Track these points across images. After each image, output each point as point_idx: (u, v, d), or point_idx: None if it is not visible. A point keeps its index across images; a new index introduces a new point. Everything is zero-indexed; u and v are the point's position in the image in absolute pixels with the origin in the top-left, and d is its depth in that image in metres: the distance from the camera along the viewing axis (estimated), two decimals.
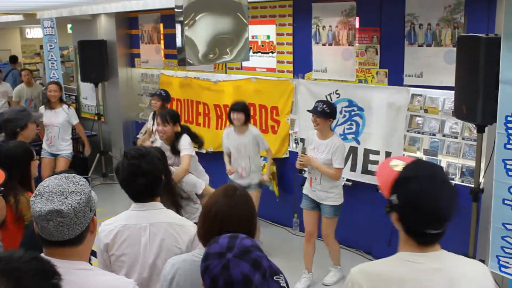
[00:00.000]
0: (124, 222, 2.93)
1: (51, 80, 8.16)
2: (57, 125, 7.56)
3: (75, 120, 7.81)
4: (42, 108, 7.72)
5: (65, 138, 7.72)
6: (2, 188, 2.66)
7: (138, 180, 2.85)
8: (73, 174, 2.10)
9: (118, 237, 2.88)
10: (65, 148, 7.73)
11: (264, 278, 1.88)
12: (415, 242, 2.03)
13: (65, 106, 7.70)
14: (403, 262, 2.04)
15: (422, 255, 2.02)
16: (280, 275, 2.09)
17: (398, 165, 2.18)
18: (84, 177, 2.15)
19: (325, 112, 5.21)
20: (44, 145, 7.80)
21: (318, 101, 5.39)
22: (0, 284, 1.53)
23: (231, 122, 6.06)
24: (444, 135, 5.52)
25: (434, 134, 5.58)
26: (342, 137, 6.17)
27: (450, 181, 2.06)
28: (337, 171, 5.28)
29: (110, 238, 2.89)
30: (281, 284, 2.09)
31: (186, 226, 2.94)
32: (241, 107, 5.96)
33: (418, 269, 2.01)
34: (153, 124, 6.58)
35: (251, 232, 2.38)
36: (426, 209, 1.96)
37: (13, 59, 13.09)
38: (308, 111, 5.37)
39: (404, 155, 5.69)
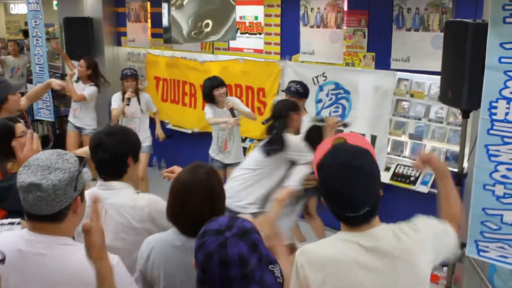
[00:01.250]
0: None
1: (84, 58, 7.94)
2: (79, 100, 7.61)
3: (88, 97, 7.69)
4: (74, 77, 7.78)
5: (89, 113, 7.78)
6: None
7: (99, 155, 2.86)
8: (67, 152, 2.10)
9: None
10: (90, 124, 7.79)
11: (259, 263, 1.86)
12: (344, 223, 2.11)
13: (90, 84, 7.70)
14: (341, 242, 2.10)
15: (359, 235, 2.07)
16: (276, 265, 2.09)
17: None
18: (80, 156, 2.14)
19: (298, 92, 5.29)
20: (69, 117, 7.94)
21: (291, 81, 5.46)
22: None
23: (211, 100, 6.02)
24: (429, 120, 5.55)
25: (419, 119, 5.60)
26: None
27: (367, 168, 2.06)
28: None
29: None
30: (276, 274, 2.09)
31: (137, 207, 2.86)
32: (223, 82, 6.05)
33: (355, 248, 2.05)
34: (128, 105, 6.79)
35: (215, 210, 2.37)
36: (335, 195, 2.04)
37: None
38: (282, 91, 5.45)
39: (389, 139, 5.73)
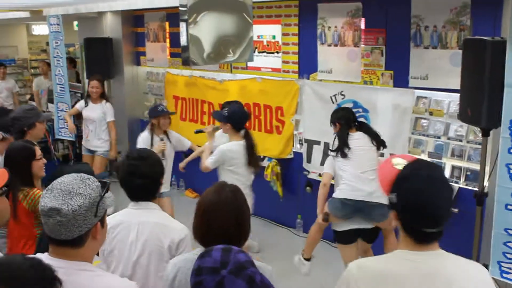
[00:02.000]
0: (119, 218, 3.05)
1: (93, 75, 8.01)
2: (94, 120, 7.61)
3: (110, 117, 7.70)
4: (81, 103, 7.79)
5: (101, 135, 7.69)
6: (6, 188, 2.67)
7: (135, 181, 2.98)
8: (90, 176, 2.12)
9: (111, 232, 2.97)
10: (102, 146, 7.74)
11: None
12: (413, 240, 2.06)
13: (103, 102, 7.69)
14: (399, 260, 2.07)
15: (420, 254, 2.04)
16: None
17: (399, 163, 2.23)
18: (103, 181, 2.17)
19: (223, 115, 5.25)
20: (82, 141, 7.98)
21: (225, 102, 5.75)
22: None
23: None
24: (449, 138, 5.49)
25: (439, 137, 5.56)
26: None
27: (449, 182, 2.09)
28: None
29: None
30: None
31: (171, 227, 3.00)
32: None
33: (414, 267, 2.03)
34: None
35: (241, 229, 2.41)
36: (422, 208, 1.99)
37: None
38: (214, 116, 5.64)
39: None
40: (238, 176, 5.18)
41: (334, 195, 5.00)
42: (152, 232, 2.96)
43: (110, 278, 2.23)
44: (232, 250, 1.90)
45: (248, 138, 5.27)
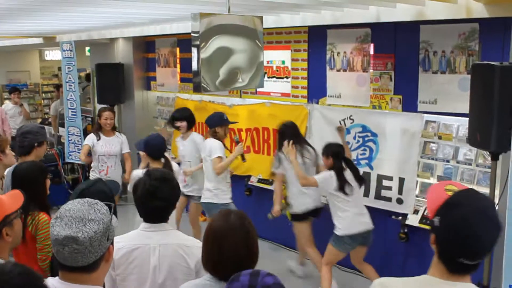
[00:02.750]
0: (134, 242, 2.97)
1: (104, 106, 7.51)
2: (114, 154, 7.08)
3: (127, 148, 7.20)
4: (92, 137, 7.04)
5: (119, 169, 7.25)
6: (21, 210, 2.70)
7: (154, 202, 2.92)
8: (96, 201, 2.12)
9: (126, 257, 2.92)
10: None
11: None
12: (445, 268, 2.01)
13: (117, 133, 7.21)
14: (426, 285, 2.02)
15: (448, 284, 1.99)
16: None
17: (451, 190, 2.16)
18: (107, 204, 2.17)
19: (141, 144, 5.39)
20: (96, 176, 7.06)
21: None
22: None
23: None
24: (458, 162, 5.51)
25: (448, 161, 5.57)
26: (356, 162, 6.18)
27: (500, 220, 2.00)
28: None
29: (118, 255, 2.91)
30: None
31: (194, 247, 2.96)
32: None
33: None
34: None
35: (251, 252, 2.41)
36: (464, 237, 1.93)
37: None
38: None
39: (418, 181, 5.69)
40: None
41: (339, 232, 5.34)
42: (176, 254, 2.92)
43: None
44: (260, 274, 1.92)
45: (166, 165, 5.31)
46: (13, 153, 4.59)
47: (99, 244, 2.03)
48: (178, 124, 6.58)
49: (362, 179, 5.51)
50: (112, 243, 2.15)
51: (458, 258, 1.95)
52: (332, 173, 5.31)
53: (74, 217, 2.02)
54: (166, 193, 2.94)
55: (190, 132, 6.64)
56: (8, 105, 11.27)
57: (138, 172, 5.08)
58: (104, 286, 2.23)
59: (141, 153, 5.45)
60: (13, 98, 11.18)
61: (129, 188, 5.33)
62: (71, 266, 2.03)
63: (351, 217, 5.31)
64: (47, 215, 3.72)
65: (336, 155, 5.38)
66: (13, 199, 2.70)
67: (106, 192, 3.01)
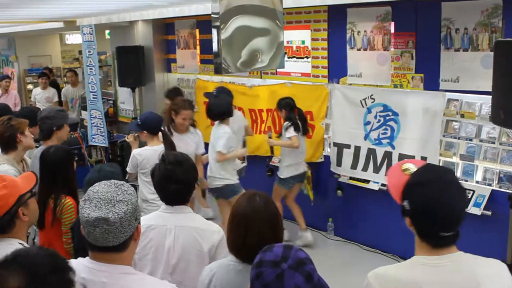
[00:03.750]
0: (151, 222, 3.02)
1: (183, 100, 6.07)
2: (191, 153, 5.76)
3: (202, 149, 6.04)
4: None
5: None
6: (34, 191, 2.77)
7: (171, 186, 2.96)
8: (122, 182, 2.17)
9: (144, 237, 2.97)
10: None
11: None
12: (430, 246, 2.06)
13: (192, 129, 5.94)
14: (417, 266, 2.06)
15: (439, 258, 2.03)
16: None
17: (408, 169, 2.21)
18: (133, 185, 2.22)
19: (136, 124, 5.27)
20: None
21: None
22: (18, 277, 1.63)
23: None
24: (481, 140, 5.46)
25: (471, 139, 5.53)
26: (377, 141, 6.17)
27: (461, 184, 2.08)
28: None
29: None
30: None
31: (209, 231, 2.99)
32: None
33: (435, 272, 2.02)
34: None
35: (276, 236, 2.43)
36: (436, 213, 1.99)
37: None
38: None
39: (440, 160, 5.67)
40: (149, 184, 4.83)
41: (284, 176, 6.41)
42: (190, 236, 2.95)
43: (152, 281, 2.30)
44: (293, 247, 1.96)
45: (165, 140, 5.24)
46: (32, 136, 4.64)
47: (128, 224, 2.08)
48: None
49: (307, 130, 6.60)
50: (140, 223, 2.20)
51: (438, 233, 2.02)
52: (287, 124, 6.28)
53: (103, 198, 2.07)
54: (181, 175, 2.96)
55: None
56: (37, 90, 11.36)
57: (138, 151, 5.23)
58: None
59: (140, 134, 5.34)
60: (41, 83, 11.25)
61: (128, 169, 5.33)
62: (102, 246, 2.09)
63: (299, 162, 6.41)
64: (72, 199, 3.80)
65: (289, 107, 6.37)
66: (26, 180, 2.77)
67: (114, 173, 3.07)
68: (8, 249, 2.50)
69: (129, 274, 2.16)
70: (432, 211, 1.99)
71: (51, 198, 3.76)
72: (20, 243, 2.56)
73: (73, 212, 3.74)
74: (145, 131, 5.18)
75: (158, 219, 3.03)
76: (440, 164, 5.70)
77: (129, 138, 5.58)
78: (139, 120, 5.30)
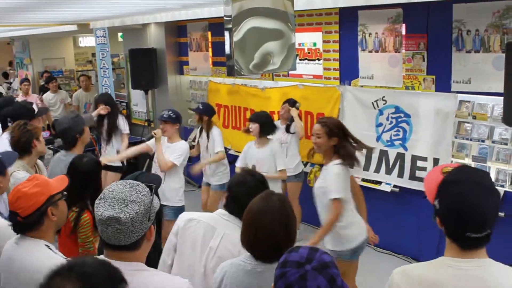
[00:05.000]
0: (204, 219, 3.08)
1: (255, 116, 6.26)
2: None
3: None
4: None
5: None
6: (66, 193, 2.82)
7: (245, 199, 2.83)
8: (138, 183, 2.21)
9: (193, 228, 3.04)
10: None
11: None
12: (458, 246, 2.05)
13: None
14: (444, 267, 2.06)
15: (465, 261, 2.02)
16: None
17: (448, 172, 2.19)
18: (148, 185, 2.26)
19: (171, 117, 5.69)
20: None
21: (164, 110, 5.95)
22: (74, 287, 1.65)
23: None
24: (493, 142, 5.45)
25: (483, 141, 5.52)
26: (389, 143, 6.18)
27: (496, 188, 2.06)
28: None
29: (184, 222, 3.09)
30: None
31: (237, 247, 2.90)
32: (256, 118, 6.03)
33: (459, 275, 2.01)
34: (199, 137, 6.86)
35: (289, 237, 2.46)
36: (463, 212, 1.98)
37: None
38: (158, 118, 5.87)
39: (452, 161, 5.67)
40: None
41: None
42: (228, 247, 2.94)
43: (165, 276, 2.34)
44: (319, 250, 1.98)
45: None
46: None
47: (140, 224, 2.11)
48: (250, 125, 5.97)
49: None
50: (153, 223, 2.23)
51: (465, 233, 2.00)
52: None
53: (116, 198, 2.11)
54: (254, 191, 2.85)
55: (265, 140, 5.96)
56: (48, 95, 11.43)
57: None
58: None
59: (170, 127, 5.69)
60: (51, 88, 11.35)
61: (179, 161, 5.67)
62: (114, 245, 2.13)
63: None
64: (89, 215, 3.75)
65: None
66: (58, 181, 2.82)
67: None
68: (34, 250, 2.57)
69: (141, 271, 2.20)
70: (458, 210, 1.99)
71: (75, 208, 3.75)
72: (46, 245, 2.61)
73: (89, 228, 3.76)
74: (178, 124, 5.69)
75: (211, 219, 3.08)
76: None
77: (158, 133, 5.75)
78: (172, 114, 5.64)
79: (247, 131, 6.05)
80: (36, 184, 2.64)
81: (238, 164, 6.09)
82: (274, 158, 5.83)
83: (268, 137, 5.97)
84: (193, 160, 6.83)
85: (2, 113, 5.59)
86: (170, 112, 5.75)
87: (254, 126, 5.87)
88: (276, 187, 5.90)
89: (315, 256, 1.92)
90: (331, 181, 4.19)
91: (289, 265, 1.91)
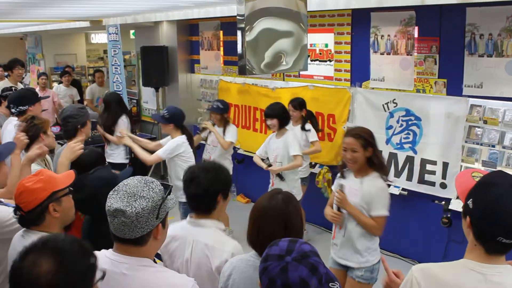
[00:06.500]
0: (175, 232, 2.98)
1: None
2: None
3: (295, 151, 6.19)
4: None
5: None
6: (72, 188, 2.82)
7: (191, 189, 2.93)
8: (153, 180, 2.24)
9: (169, 246, 2.99)
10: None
11: (320, 284, 1.94)
12: (483, 250, 2.03)
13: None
14: (465, 270, 2.04)
15: (487, 266, 2.01)
16: (336, 282, 2.15)
17: (478, 176, 2.17)
18: (166, 184, 2.28)
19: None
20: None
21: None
22: (48, 260, 1.71)
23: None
24: (504, 147, 5.42)
25: (493, 146, 5.49)
26: (399, 146, 6.17)
27: None
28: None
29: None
30: None
31: (220, 250, 2.86)
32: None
33: (478, 280, 2.00)
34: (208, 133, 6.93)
35: (291, 235, 2.41)
36: (500, 215, 1.94)
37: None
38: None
39: (462, 166, 5.65)
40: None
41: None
42: (203, 254, 2.89)
43: (171, 274, 2.35)
44: (298, 241, 2.03)
45: (185, 131, 5.81)
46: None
47: (146, 221, 2.14)
48: (269, 122, 5.92)
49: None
50: (163, 222, 2.24)
51: (497, 238, 1.96)
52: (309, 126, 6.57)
53: (128, 192, 2.15)
54: (204, 181, 2.90)
55: (284, 130, 5.93)
56: (59, 87, 11.53)
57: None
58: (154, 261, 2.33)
59: (165, 126, 5.75)
60: (64, 82, 11.43)
61: None
62: (120, 237, 2.17)
63: None
64: None
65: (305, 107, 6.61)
66: (64, 177, 2.82)
67: (105, 178, 3.03)
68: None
69: (148, 267, 2.22)
70: (496, 213, 1.95)
71: None
72: None
73: None
74: (172, 124, 5.65)
75: (180, 230, 3.01)
76: (461, 170, 5.68)
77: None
78: (166, 114, 5.63)
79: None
80: (39, 180, 2.65)
81: (258, 153, 6.17)
82: (287, 146, 5.81)
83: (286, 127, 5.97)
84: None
85: (8, 99, 5.64)
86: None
87: (273, 122, 5.85)
88: (294, 183, 5.99)
89: (294, 247, 1.96)
90: (379, 197, 3.95)
91: (270, 258, 1.95)
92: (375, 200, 3.93)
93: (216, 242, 2.90)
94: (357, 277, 4.07)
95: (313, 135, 6.47)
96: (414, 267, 2.16)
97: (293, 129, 6.22)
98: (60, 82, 11.85)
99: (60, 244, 1.78)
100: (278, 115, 5.85)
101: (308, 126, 6.54)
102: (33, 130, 4.32)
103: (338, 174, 4.24)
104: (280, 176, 5.86)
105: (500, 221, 1.95)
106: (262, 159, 6.00)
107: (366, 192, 3.94)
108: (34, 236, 2.59)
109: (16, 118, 5.11)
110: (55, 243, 1.78)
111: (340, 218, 4.08)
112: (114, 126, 7.29)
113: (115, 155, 7.44)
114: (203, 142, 7.14)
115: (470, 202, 2.03)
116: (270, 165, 5.87)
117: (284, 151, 5.83)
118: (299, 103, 6.56)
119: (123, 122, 7.34)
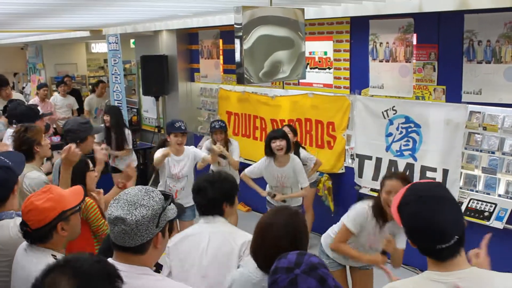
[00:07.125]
0: (188, 232, 3.32)
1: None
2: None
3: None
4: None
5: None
6: (80, 207, 2.79)
7: (198, 199, 3.29)
8: (153, 189, 2.25)
9: (180, 244, 3.22)
10: None
11: None
12: (435, 260, 2.08)
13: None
14: (427, 281, 2.08)
15: (446, 274, 2.04)
16: None
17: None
18: (167, 193, 2.29)
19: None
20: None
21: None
22: (69, 281, 1.69)
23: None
24: (503, 153, 5.41)
25: (493, 152, 5.49)
26: (399, 153, 6.16)
27: (448, 193, 2.13)
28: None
29: (172, 243, 3.23)
30: None
31: (240, 233, 3.24)
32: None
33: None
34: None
35: (295, 249, 2.47)
36: (425, 228, 2.02)
37: None
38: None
39: (462, 172, 5.64)
40: None
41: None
42: (222, 237, 3.18)
43: (170, 283, 2.35)
44: (306, 253, 2.04)
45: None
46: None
47: (146, 229, 2.14)
48: (278, 143, 5.59)
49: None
50: (163, 231, 2.24)
51: (435, 247, 2.03)
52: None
53: (129, 200, 2.16)
54: (210, 193, 3.23)
55: (287, 157, 5.72)
56: (56, 97, 11.51)
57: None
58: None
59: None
60: (60, 91, 11.41)
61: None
62: (121, 246, 2.17)
63: None
64: (91, 198, 3.95)
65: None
66: (74, 195, 2.77)
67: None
68: (40, 260, 2.57)
69: (147, 275, 2.22)
70: (419, 226, 2.04)
71: None
72: (53, 255, 2.57)
73: (97, 209, 3.86)
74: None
75: (193, 230, 3.33)
76: (461, 177, 5.68)
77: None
78: (183, 126, 5.81)
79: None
80: (49, 198, 2.59)
81: (248, 173, 5.93)
82: (296, 175, 5.68)
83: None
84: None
85: (8, 114, 5.68)
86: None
87: (282, 144, 5.54)
88: (297, 201, 5.98)
89: (303, 259, 1.98)
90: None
91: (279, 271, 1.96)
92: (402, 239, 4.00)
93: (233, 229, 3.32)
94: (362, 267, 4.42)
95: (311, 158, 6.46)
96: (386, 286, 2.19)
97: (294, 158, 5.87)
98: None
99: (82, 264, 1.75)
100: (287, 137, 5.65)
101: (303, 152, 6.42)
102: (26, 144, 4.33)
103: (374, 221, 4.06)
104: (283, 201, 5.80)
105: (427, 233, 2.03)
106: (269, 192, 5.91)
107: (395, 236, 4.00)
108: (37, 253, 2.58)
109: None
110: (77, 263, 1.75)
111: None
112: (124, 143, 7.81)
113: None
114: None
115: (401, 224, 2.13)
116: (274, 195, 5.80)
117: (294, 179, 5.71)
118: (293, 129, 6.49)
119: (129, 135, 7.83)
